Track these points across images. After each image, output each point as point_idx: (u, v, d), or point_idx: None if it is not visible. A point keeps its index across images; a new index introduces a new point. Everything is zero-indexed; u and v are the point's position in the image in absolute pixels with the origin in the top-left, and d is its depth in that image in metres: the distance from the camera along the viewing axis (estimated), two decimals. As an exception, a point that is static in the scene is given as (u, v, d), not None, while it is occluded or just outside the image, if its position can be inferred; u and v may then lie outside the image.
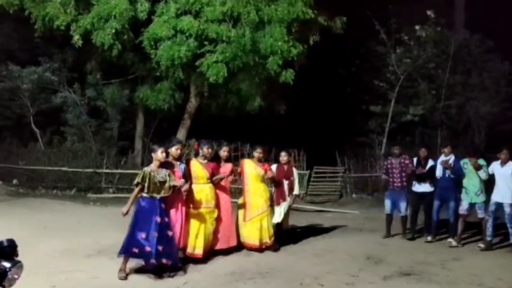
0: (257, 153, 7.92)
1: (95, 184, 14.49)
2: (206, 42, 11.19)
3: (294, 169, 8.45)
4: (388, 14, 15.36)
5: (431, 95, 16.00)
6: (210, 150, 7.28)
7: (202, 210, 7.02)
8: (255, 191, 7.77)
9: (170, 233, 6.35)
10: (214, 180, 7.21)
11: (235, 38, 10.87)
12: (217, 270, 6.89)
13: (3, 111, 16.91)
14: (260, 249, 7.73)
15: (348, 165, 15.16)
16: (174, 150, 6.73)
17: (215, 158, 7.50)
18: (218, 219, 7.31)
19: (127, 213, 6.19)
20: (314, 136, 15.51)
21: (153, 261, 6.12)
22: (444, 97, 15.92)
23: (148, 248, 6.10)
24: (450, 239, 8.61)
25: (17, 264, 3.14)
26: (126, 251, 6.22)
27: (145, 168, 6.34)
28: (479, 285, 6.40)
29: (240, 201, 7.93)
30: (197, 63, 11.30)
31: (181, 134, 14.12)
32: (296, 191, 8.32)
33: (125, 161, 15.29)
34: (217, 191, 7.33)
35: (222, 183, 7.43)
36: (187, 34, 11.00)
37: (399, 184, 8.98)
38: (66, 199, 13.35)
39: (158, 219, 6.19)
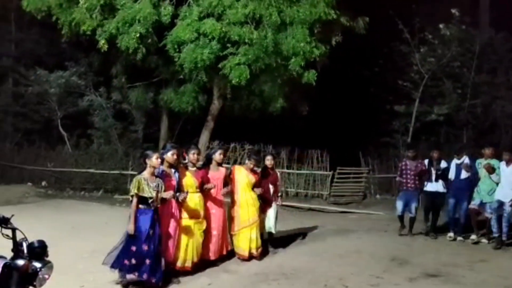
0: (251, 163, 7.53)
1: (121, 186, 14.69)
2: (228, 45, 11.21)
3: (278, 173, 8.30)
4: (412, 13, 15.20)
5: (456, 94, 15.73)
6: (196, 156, 6.78)
7: (191, 220, 6.58)
8: (246, 200, 7.39)
9: (159, 247, 5.98)
10: (204, 189, 6.79)
11: (257, 40, 10.87)
12: (241, 271, 6.94)
13: (32, 115, 17.39)
14: (249, 259, 7.43)
15: (372, 166, 15.04)
16: (170, 156, 6.26)
17: (207, 163, 7.19)
18: (209, 230, 6.94)
19: (134, 231, 5.79)
20: (338, 137, 15.43)
21: (136, 274, 5.84)
22: (469, 96, 15.64)
23: (134, 261, 5.81)
24: (459, 237, 8.87)
25: (47, 265, 3.23)
26: (119, 264, 5.91)
27: (137, 176, 5.87)
28: (506, 287, 6.30)
29: (230, 210, 7.52)
30: (219, 66, 11.35)
31: (205, 136, 14.22)
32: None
33: (150, 163, 15.46)
34: (209, 201, 6.98)
35: (213, 192, 7.04)
36: (209, 37, 11.04)
37: (413, 185, 9.13)
38: (93, 200, 13.60)
39: (151, 232, 5.83)
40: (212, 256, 7.05)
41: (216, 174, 7.11)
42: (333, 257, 7.78)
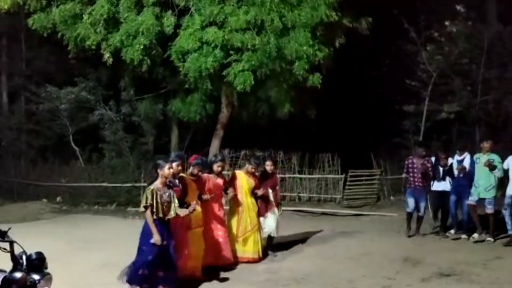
0: (252, 168, 7.63)
1: (134, 198, 14.68)
2: (232, 52, 11.22)
3: (277, 177, 8.32)
4: (416, 12, 15.08)
5: (466, 91, 15.54)
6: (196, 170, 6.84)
7: (198, 229, 6.68)
8: (248, 205, 7.52)
9: (172, 257, 5.96)
10: (203, 200, 6.79)
11: (260, 45, 10.87)
12: (252, 277, 6.90)
13: (44, 132, 17.63)
14: (258, 261, 7.53)
15: (384, 167, 14.88)
16: (175, 167, 6.22)
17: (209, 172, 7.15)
18: (209, 236, 6.96)
19: (160, 239, 5.75)
20: (348, 139, 15.34)
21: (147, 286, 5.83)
22: (480, 92, 15.42)
23: (146, 272, 5.79)
24: (463, 235, 8.75)
25: (46, 276, 3.26)
26: (135, 276, 5.88)
27: (151, 187, 5.82)
28: (521, 283, 6.19)
29: (231, 216, 7.60)
30: (224, 73, 11.40)
31: (215, 144, 14.21)
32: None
33: (162, 174, 15.52)
34: (210, 210, 7.01)
35: (213, 201, 7.06)
36: (212, 45, 11.06)
37: (420, 184, 9.00)
38: (107, 214, 13.63)
39: (164, 242, 5.80)
40: (210, 261, 7.02)
41: (212, 183, 7.09)
42: (345, 260, 7.74)
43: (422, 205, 9.04)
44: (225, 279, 6.74)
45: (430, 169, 8.98)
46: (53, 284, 3.39)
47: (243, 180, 7.58)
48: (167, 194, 5.86)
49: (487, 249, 8.07)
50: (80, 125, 16.96)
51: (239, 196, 7.53)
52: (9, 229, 3.37)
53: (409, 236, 9.11)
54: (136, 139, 16.65)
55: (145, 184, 14.57)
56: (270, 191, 7.85)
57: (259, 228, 7.63)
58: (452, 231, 8.88)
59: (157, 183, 5.86)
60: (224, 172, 8.34)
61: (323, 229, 10.11)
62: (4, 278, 3.10)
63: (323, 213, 13.05)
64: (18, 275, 3.15)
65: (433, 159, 9.13)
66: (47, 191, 15.77)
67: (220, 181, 7.28)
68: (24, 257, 3.28)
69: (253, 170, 7.65)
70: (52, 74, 17.76)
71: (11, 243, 3.28)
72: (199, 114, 13.54)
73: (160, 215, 5.80)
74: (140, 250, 5.90)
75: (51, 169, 16.66)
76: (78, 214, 13.55)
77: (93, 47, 11.55)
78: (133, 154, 16.23)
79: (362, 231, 10.04)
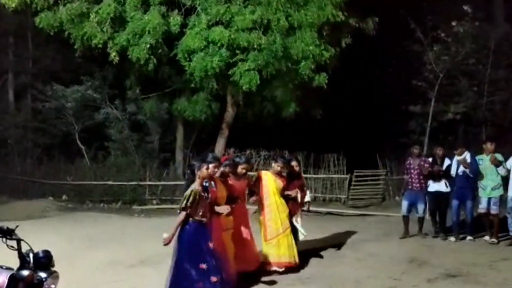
0: (278, 166, 7.19)
1: (139, 196, 14.78)
2: (238, 51, 11.27)
3: (303, 178, 8.15)
4: (423, 12, 15.01)
5: (473, 92, 15.46)
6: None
7: (229, 231, 6.36)
8: (277, 206, 7.04)
9: (223, 259, 5.70)
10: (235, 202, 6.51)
11: (266, 45, 10.91)
12: (257, 277, 6.88)
13: (50, 130, 17.69)
14: (295, 266, 7.10)
15: (390, 167, 14.85)
16: (211, 168, 5.81)
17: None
18: (239, 240, 6.62)
19: (169, 242, 5.35)
20: (353, 139, 15.32)
21: None
22: (487, 93, 15.35)
23: (200, 284, 5.35)
24: (468, 237, 8.67)
25: (52, 274, 3.28)
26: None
27: (193, 188, 5.47)
28: (528, 285, 6.15)
29: (259, 218, 7.21)
30: (229, 72, 11.42)
31: (220, 144, 14.27)
32: (307, 197, 7.80)
33: (167, 172, 15.59)
34: (235, 212, 6.40)
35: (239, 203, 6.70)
36: (218, 44, 11.12)
37: (418, 185, 8.94)
38: (112, 212, 13.66)
39: (211, 245, 5.51)
40: (251, 267, 6.81)
41: (238, 185, 6.77)
42: (350, 260, 7.71)
43: (420, 206, 8.93)
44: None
45: (428, 167, 8.81)
46: (59, 282, 3.40)
47: (270, 181, 7.15)
48: (205, 195, 5.63)
49: (493, 250, 8.02)
50: (86, 123, 17.02)
51: (265, 197, 7.11)
52: (17, 227, 3.38)
53: (404, 237, 9.03)
54: (142, 138, 16.71)
55: (150, 183, 14.83)
56: (298, 191, 7.53)
57: (291, 231, 7.16)
58: (452, 239, 8.63)
59: (197, 185, 5.56)
60: (250, 173, 7.84)
61: (328, 229, 10.08)
62: (11, 276, 3.12)
63: (328, 213, 13.03)
64: (25, 273, 3.17)
65: (430, 159, 9.05)
66: (52, 189, 15.83)
67: (243, 182, 6.89)
68: (31, 255, 3.30)
69: (279, 168, 7.23)
70: (59, 73, 17.78)
71: (18, 241, 3.29)
72: (204, 113, 13.61)
73: (198, 218, 5.49)
74: (180, 260, 5.52)
75: (57, 167, 16.70)
76: (83, 212, 13.59)
77: (100, 46, 11.63)
78: (139, 153, 16.28)
79: (367, 232, 10.00)
